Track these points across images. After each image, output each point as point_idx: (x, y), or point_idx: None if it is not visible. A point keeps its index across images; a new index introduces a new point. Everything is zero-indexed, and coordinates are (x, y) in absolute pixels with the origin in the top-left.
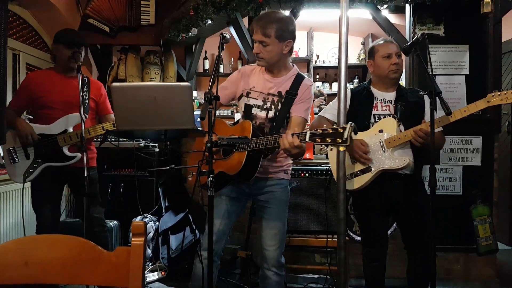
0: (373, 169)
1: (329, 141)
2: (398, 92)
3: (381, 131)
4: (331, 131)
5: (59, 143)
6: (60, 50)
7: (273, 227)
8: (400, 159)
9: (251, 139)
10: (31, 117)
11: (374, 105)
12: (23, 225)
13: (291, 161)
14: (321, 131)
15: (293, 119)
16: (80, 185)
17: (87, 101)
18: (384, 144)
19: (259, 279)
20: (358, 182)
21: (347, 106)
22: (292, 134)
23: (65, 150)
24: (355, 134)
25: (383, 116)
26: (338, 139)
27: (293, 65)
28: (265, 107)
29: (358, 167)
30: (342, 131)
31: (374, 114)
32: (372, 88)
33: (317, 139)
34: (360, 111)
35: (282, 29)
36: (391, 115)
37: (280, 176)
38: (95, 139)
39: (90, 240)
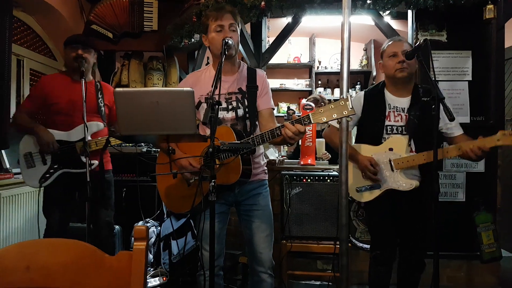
0: (381, 186)
1: (337, 115)
2: (413, 97)
3: (391, 149)
4: (333, 106)
5: (78, 150)
6: (67, 53)
7: (264, 230)
8: (407, 183)
9: (250, 142)
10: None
11: (386, 115)
12: (37, 228)
13: (266, 161)
14: (322, 110)
15: (265, 112)
16: (94, 190)
17: (103, 108)
18: (393, 164)
19: (251, 286)
20: (367, 196)
21: (359, 113)
22: (293, 122)
23: (83, 157)
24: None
25: (395, 127)
26: (344, 111)
27: (240, 61)
28: (230, 107)
29: (369, 182)
30: (344, 102)
31: (387, 126)
32: (385, 91)
33: (322, 118)
34: (372, 122)
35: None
36: (403, 128)
37: (261, 177)
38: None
39: (96, 244)
